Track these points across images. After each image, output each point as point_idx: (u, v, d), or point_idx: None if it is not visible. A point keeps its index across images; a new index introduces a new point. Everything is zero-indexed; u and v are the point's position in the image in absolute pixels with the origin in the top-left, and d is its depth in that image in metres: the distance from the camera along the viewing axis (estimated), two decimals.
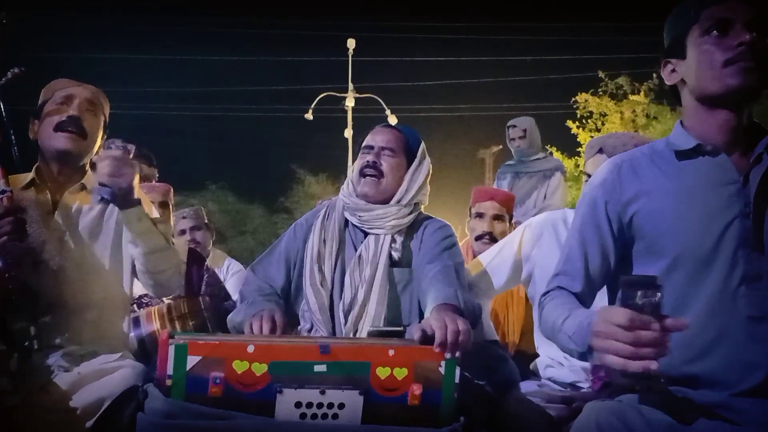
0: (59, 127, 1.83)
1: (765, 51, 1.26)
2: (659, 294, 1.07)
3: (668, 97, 1.65)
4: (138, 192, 1.76)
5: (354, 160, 2.09)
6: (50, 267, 1.78)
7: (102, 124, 1.95)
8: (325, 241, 1.90)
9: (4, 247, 1.65)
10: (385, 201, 1.90)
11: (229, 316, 1.85)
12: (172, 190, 3.09)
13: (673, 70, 1.37)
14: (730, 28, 1.27)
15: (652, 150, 1.41)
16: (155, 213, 1.97)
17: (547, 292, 1.44)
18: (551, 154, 4.66)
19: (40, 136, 1.87)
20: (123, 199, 1.70)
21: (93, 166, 1.89)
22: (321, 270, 1.87)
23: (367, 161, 1.91)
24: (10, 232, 1.65)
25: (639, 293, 1.07)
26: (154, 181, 3.12)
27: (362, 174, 1.91)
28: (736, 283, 1.24)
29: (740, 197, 1.27)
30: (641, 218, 1.34)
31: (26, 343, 1.70)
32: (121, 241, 1.88)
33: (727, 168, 1.29)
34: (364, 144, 1.97)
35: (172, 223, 3.08)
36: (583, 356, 1.26)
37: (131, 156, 1.70)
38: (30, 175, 1.87)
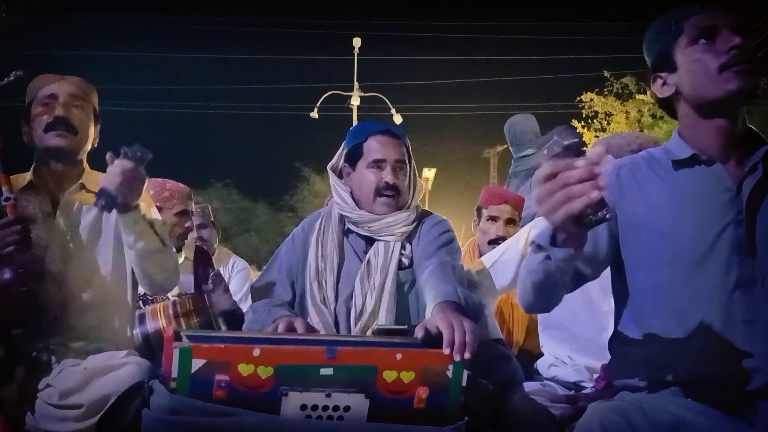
0: (48, 128, 1.82)
1: (753, 53, 1.29)
2: (576, 136, 1.07)
3: (663, 109, 1.65)
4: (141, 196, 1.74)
5: None
6: (55, 276, 1.78)
7: (92, 114, 1.92)
8: (323, 256, 1.85)
9: (10, 258, 1.65)
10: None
11: (245, 326, 1.84)
12: (192, 193, 2.94)
13: (665, 83, 1.39)
14: (717, 35, 1.30)
15: (650, 156, 1.43)
16: (155, 213, 1.97)
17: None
18: (539, 148, 4.47)
19: (33, 139, 1.87)
20: (123, 205, 1.67)
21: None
22: (322, 287, 1.82)
23: (387, 182, 1.84)
24: (15, 242, 1.65)
25: (557, 140, 1.07)
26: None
27: (380, 194, 1.84)
28: (731, 289, 1.26)
29: (733, 205, 1.29)
30: (637, 222, 1.36)
31: (34, 354, 1.72)
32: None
33: (721, 177, 1.31)
34: (373, 158, 1.85)
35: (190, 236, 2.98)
36: (549, 262, 1.21)
37: (144, 165, 1.66)
38: (28, 177, 1.86)
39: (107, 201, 1.62)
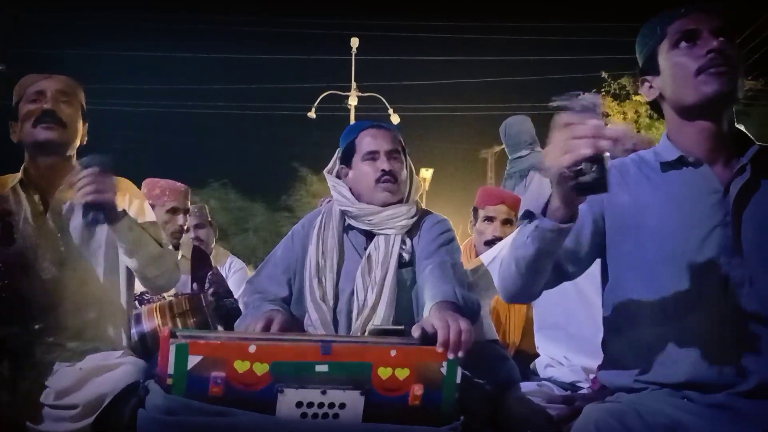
0: (37, 123, 1.82)
1: (734, 56, 1.29)
2: (596, 97, 1.10)
3: (655, 111, 1.67)
4: (121, 201, 1.73)
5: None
6: (40, 271, 1.78)
7: (80, 110, 1.92)
8: (323, 253, 1.86)
9: None
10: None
11: (236, 323, 1.84)
12: (189, 191, 2.95)
13: (650, 87, 1.40)
14: (698, 38, 1.30)
15: (640, 159, 1.44)
16: (148, 209, 1.96)
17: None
18: (533, 150, 4.34)
19: (22, 136, 1.86)
20: (110, 214, 1.64)
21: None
22: (321, 284, 1.82)
23: (383, 169, 1.86)
24: None
25: (576, 99, 1.10)
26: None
27: (380, 182, 1.86)
28: (722, 289, 1.27)
29: (721, 206, 1.30)
30: (626, 224, 1.36)
31: (19, 352, 1.71)
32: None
33: (709, 178, 1.32)
34: (366, 150, 1.90)
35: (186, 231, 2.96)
36: (539, 233, 1.22)
37: (108, 168, 1.62)
38: (18, 176, 1.86)
39: (92, 212, 1.58)
